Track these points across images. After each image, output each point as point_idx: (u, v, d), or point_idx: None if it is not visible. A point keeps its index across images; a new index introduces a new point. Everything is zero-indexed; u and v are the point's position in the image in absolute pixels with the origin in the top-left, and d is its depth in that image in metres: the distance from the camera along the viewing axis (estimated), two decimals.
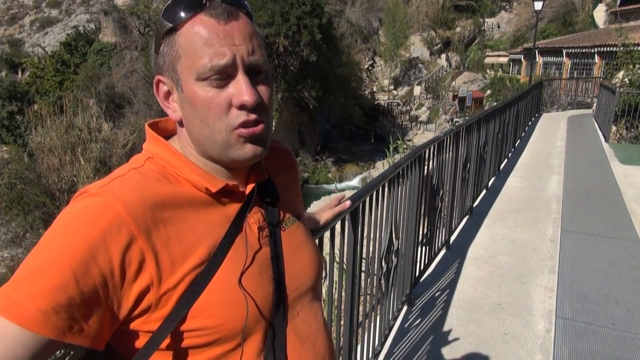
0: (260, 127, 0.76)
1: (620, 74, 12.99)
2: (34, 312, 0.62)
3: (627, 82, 11.90)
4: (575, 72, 23.16)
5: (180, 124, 0.80)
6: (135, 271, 0.68)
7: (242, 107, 0.74)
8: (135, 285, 0.68)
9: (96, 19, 37.99)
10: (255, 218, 0.83)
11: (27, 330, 0.61)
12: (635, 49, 13.48)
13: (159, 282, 0.69)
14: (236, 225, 0.79)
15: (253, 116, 0.75)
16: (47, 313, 0.62)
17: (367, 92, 34.42)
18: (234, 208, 0.81)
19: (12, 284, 0.64)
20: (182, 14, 0.73)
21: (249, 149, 0.77)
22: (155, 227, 0.70)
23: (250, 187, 0.83)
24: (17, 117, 25.02)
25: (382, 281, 2.55)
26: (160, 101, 0.80)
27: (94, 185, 0.72)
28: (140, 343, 0.72)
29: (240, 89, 0.73)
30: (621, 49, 13.69)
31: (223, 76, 0.73)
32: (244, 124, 0.75)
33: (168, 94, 0.79)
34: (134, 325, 0.71)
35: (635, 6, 23.86)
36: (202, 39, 0.72)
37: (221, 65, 0.72)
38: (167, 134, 0.85)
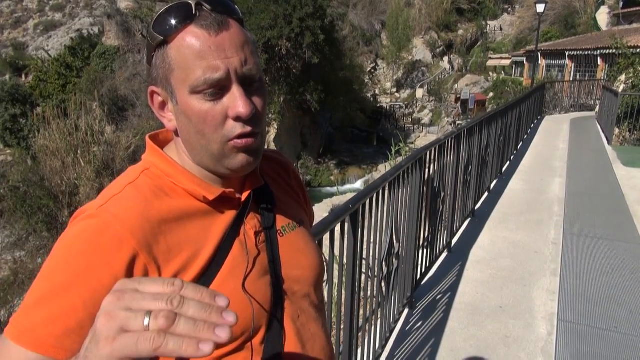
0: (254, 138, 0.77)
1: (622, 77, 12.98)
2: (47, 337, 0.64)
3: (630, 84, 11.89)
4: (578, 74, 23.13)
5: (176, 133, 0.80)
6: None
7: (238, 118, 0.74)
8: None
9: (99, 22, 38.14)
10: (252, 224, 0.83)
11: (43, 355, 0.63)
12: (632, 52, 13.54)
13: None
14: (233, 232, 0.80)
15: (248, 128, 0.75)
16: (60, 337, 0.64)
17: (369, 94, 34.44)
18: (231, 215, 0.81)
19: (22, 312, 0.65)
20: (173, 26, 0.72)
21: (242, 159, 0.77)
22: (156, 241, 0.71)
23: (246, 193, 0.83)
24: (21, 120, 25.12)
25: (383, 284, 2.55)
26: (156, 111, 0.80)
27: (91, 206, 0.73)
28: None
29: (236, 101, 0.73)
30: (621, 51, 13.74)
31: (217, 89, 0.73)
32: (240, 136, 0.75)
33: (163, 104, 0.79)
34: None
35: (638, 8, 23.83)
36: (194, 52, 0.71)
37: (215, 79, 0.71)
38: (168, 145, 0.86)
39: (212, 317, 0.46)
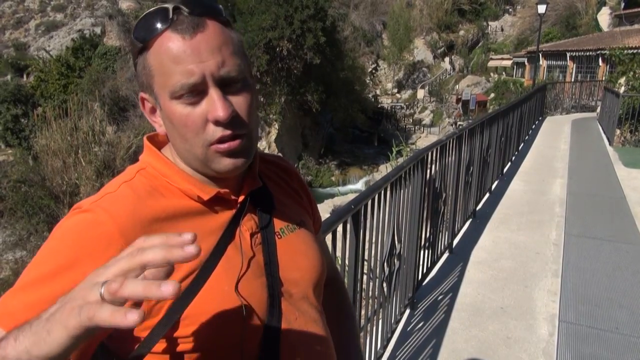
0: (237, 141, 0.76)
1: (622, 80, 13.00)
2: (24, 322, 0.64)
3: (630, 86, 11.91)
4: (579, 75, 23.11)
5: (168, 137, 0.81)
6: None
7: (217, 122, 0.73)
8: None
9: (101, 22, 38.14)
10: (248, 225, 0.83)
11: None
12: (630, 57, 13.58)
13: None
14: (229, 233, 0.79)
15: (228, 132, 0.74)
16: None
17: (370, 95, 34.40)
18: (226, 216, 0.81)
19: (9, 295, 0.67)
20: (150, 32, 0.73)
21: (228, 162, 0.76)
22: None
23: (243, 195, 0.83)
24: (22, 120, 25.12)
25: (385, 284, 2.55)
26: (148, 116, 0.81)
27: (86, 201, 0.74)
28: (134, 346, 0.72)
29: (213, 104, 0.72)
30: (621, 57, 13.82)
31: (194, 94, 0.73)
32: (221, 140, 0.75)
33: (154, 110, 0.80)
34: (128, 330, 0.72)
35: (639, 9, 23.80)
36: (170, 57, 0.72)
37: (190, 84, 0.71)
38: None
39: (173, 253, 0.49)
